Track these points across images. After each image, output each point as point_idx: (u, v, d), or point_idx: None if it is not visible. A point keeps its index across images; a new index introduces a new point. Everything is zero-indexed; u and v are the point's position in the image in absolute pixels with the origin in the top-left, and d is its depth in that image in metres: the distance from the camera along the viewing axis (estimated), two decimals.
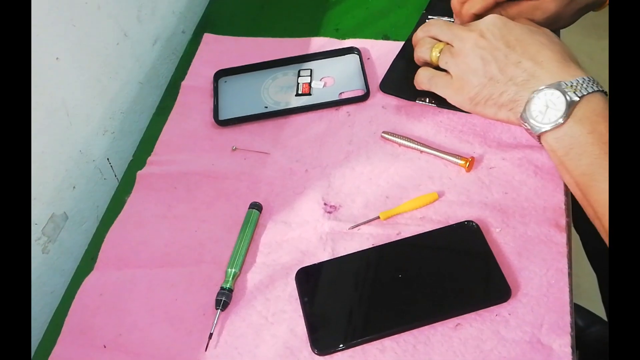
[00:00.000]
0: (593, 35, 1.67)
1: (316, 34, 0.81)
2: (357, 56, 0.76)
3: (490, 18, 0.59)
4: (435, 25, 0.63)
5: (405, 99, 0.71)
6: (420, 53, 0.64)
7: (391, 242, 0.60)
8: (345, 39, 0.79)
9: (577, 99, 0.51)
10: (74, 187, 0.72)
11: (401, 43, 0.76)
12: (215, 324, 0.56)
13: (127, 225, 0.66)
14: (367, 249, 0.60)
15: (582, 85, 0.52)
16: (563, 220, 0.59)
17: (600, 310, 0.97)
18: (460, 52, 0.59)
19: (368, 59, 0.76)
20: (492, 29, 0.58)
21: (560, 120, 0.52)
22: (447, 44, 0.62)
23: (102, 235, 0.66)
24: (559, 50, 0.55)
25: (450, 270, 0.57)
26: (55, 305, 0.63)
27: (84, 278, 0.62)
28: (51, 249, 0.68)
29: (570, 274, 0.56)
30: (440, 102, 0.67)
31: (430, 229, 0.60)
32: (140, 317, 0.59)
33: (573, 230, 0.69)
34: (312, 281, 0.58)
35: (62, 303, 0.62)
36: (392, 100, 0.72)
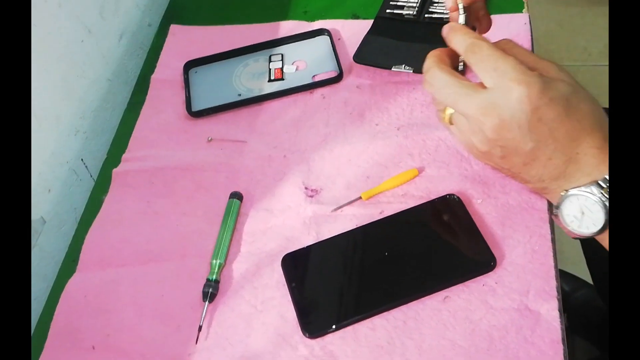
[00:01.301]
0: (561, 2, 1.68)
1: (285, 17, 0.80)
2: (328, 37, 0.75)
3: (517, 95, 0.42)
4: (435, 82, 0.47)
5: (381, 67, 0.70)
6: (435, 106, 0.51)
7: (375, 221, 0.59)
8: (314, 20, 0.78)
9: None
10: (49, 191, 0.70)
11: (371, 21, 0.75)
12: (204, 317, 0.56)
13: (107, 224, 0.65)
14: (351, 230, 0.59)
15: None
16: None
17: (585, 274, 0.99)
18: (474, 135, 0.45)
19: (339, 39, 0.76)
20: (518, 117, 0.42)
21: (600, 230, 0.43)
22: None
23: (82, 237, 0.64)
24: (598, 124, 0.43)
25: (435, 245, 0.57)
26: (39, 312, 0.62)
27: (66, 282, 0.61)
28: (31, 254, 0.67)
29: (553, 240, 0.57)
30: (417, 68, 0.67)
31: (413, 205, 0.60)
32: (127, 316, 0.58)
33: None
34: (298, 266, 0.58)
35: (46, 308, 0.61)
36: (366, 80, 0.71)
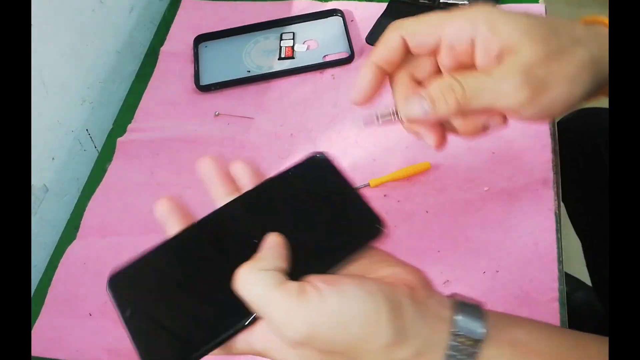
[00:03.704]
0: (575, 3, 1.67)
1: None
2: (341, 18, 0.75)
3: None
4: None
5: None
6: None
7: (226, 205, 0.39)
8: (327, 1, 0.77)
9: None
10: (53, 159, 0.70)
11: (384, 4, 0.75)
12: None
13: (110, 193, 0.64)
14: (197, 222, 0.39)
15: None
16: (550, 175, 0.59)
17: (584, 276, 0.98)
18: None
19: (352, 21, 0.75)
20: None
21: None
22: None
23: (83, 207, 0.64)
24: None
25: (312, 217, 0.38)
26: (38, 279, 0.61)
27: (66, 250, 0.61)
28: (32, 222, 0.66)
29: (558, 230, 0.56)
30: None
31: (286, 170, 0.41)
32: None
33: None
34: (134, 285, 0.36)
35: (45, 276, 0.61)
36: None
